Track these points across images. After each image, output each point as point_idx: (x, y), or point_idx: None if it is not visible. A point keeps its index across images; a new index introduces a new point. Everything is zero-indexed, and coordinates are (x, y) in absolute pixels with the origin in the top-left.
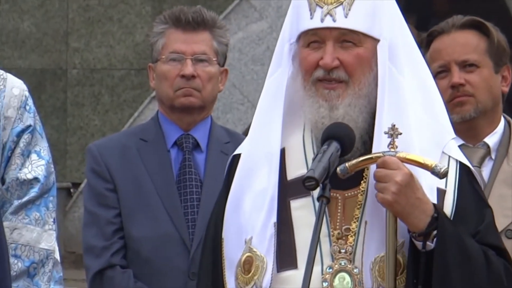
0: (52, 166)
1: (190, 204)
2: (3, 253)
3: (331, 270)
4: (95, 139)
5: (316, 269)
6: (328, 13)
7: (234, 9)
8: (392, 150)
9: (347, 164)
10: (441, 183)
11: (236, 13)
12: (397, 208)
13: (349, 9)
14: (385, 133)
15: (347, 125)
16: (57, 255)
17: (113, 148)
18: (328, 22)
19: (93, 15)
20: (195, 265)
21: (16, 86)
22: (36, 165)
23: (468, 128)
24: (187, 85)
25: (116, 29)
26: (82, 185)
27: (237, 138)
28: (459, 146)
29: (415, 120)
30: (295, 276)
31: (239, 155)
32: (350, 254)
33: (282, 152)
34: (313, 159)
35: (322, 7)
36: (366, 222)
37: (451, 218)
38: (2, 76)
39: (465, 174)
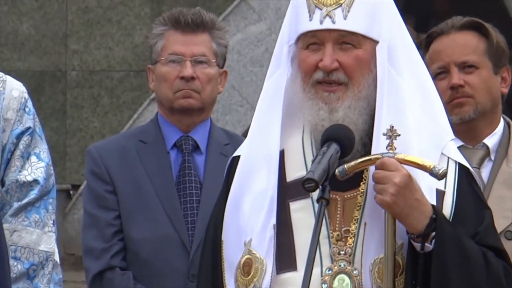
0: (51, 168)
1: (189, 206)
2: (3, 255)
3: (330, 272)
4: (95, 141)
5: (316, 271)
6: (327, 15)
7: (233, 11)
8: (391, 151)
9: (345, 166)
10: (440, 184)
11: (235, 14)
12: (396, 209)
13: (348, 11)
14: (384, 134)
15: (346, 126)
16: (56, 257)
17: (112, 150)
18: (327, 24)
19: (92, 17)
20: (194, 267)
21: (16, 88)
22: (36, 167)
23: (467, 129)
24: (186, 86)
25: (115, 31)
26: (82, 187)
27: (237, 140)
28: (458, 147)
29: (414, 122)
30: (295, 278)
31: (238, 157)
32: (350, 255)
33: (281, 153)
34: (313, 161)
35: (321, 9)
36: (365, 224)
37: (450, 219)
38: (1, 78)
39: (464, 175)
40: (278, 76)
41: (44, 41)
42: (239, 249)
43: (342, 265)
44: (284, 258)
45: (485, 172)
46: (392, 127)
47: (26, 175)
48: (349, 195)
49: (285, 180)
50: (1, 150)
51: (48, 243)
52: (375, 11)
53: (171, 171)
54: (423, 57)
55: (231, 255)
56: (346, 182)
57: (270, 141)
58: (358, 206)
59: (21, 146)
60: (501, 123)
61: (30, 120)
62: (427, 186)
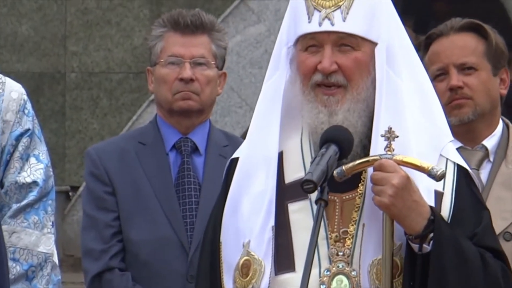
0: (50, 169)
1: (188, 207)
2: (2, 256)
3: (328, 273)
4: (94, 143)
5: (314, 272)
6: (326, 16)
7: (232, 12)
8: (389, 153)
9: (344, 167)
10: (438, 186)
11: (234, 16)
12: (394, 210)
13: (347, 13)
14: (382, 136)
15: (345, 128)
16: (55, 259)
17: (111, 151)
18: (326, 26)
19: (91, 19)
20: (193, 268)
21: (15, 90)
22: (35, 169)
23: (466, 131)
24: (185, 88)
25: (114, 33)
26: (81, 189)
27: (236, 142)
28: (457, 149)
29: (413, 123)
30: (293, 279)
31: (237, 159)
32: (348, 256)
33: (280, 155)
34: (311, 162)
35: (320, 11)
36: (363, 225)
37: (449, 221)
38: (0, 80)
39: (463, 177)
40: (277, 78)
41: (43, 43)
42: (237, 251)
43: (341, 266)
44: (283, 259)
45: (484, 173)
46: (390, 128)
47: (25, 177)
48: (347, 197)
49: (283, 182)
50: (0, 151)
51: (47, 245)
52: (374, 12)
53: (170, 172)
54: (422, 58)
55: (230, 257)
56: (344, 183)
57: (269, 143)
58: (357, 208)
59: (20, 148)
60: (500, 124)
61: (29, 121)
62: (425, 188)
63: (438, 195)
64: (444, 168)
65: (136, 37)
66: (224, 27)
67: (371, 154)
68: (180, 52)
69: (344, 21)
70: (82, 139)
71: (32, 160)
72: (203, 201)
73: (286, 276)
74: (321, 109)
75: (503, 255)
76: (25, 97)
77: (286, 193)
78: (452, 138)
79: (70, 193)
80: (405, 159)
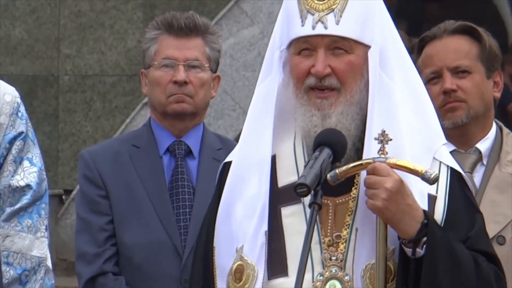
0: (44, 173)
1: (182, 211)
2: None
3: (322, 277)
4: (87, 146)
5: (307, 276)
6: (319, 20)
7: (225, 15)
8: (383, 156)
9: (337, 170)
10: (432, 189)
11: (227, 18)
12: (387, 214)
13: (341, 16)
14: (375, 139)
15: (339, 131)
16: (49, 263)
17: (105, 154)
18: (320, 30)
19: (84, 21)
20: (187, 272)
21: (8, 93)
22: (29, 172)
23: (460, 134)
24: (179, 91)
25: (107, 35)
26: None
27: (229, 145)
28: (451, 152)
29: (406, 126)
30: (286, 283)
31: (230, 162)
32: (341, 261)
33: (273, 159)
34: (305, 166)
35: (313, 14)
36: (357, 229)
37: (442, 224)
38: None
39: (456, 180)
40: (270, 81)
41: (36, 46)
42: (230, 255)
43: (334, 271)
44: (276, 264)
45: (477, 176)
46: (384, 131)
47: (19, 180)
48: (340, 200)
49: (276, 185)
50: None
51: (41, 249)
52: (367, 16)
53: (163, 175)
54: (415, 61)
55: (223, 261)
56: (338, 187)
57: (261, 147)
58: (350, 211)
59: (13, 151)
60: (494, 127)
61: (22, 124)
62: (419, 191)
63: (431, 199)
64: (437, 172)
65: (129, 39)
66: (218, 30)
67: (364, 157)
68: (174, 55)
69: (337, 24)
70: (75, 142)
71: (26, 163)
72: (197, 205)
73: (279, 281)
74: (314, 112)
75: (496, 258)
76: (19, 100)
77: (279, 197)
78: (445, 141)
79: (64, 197)
80: (398, 163)
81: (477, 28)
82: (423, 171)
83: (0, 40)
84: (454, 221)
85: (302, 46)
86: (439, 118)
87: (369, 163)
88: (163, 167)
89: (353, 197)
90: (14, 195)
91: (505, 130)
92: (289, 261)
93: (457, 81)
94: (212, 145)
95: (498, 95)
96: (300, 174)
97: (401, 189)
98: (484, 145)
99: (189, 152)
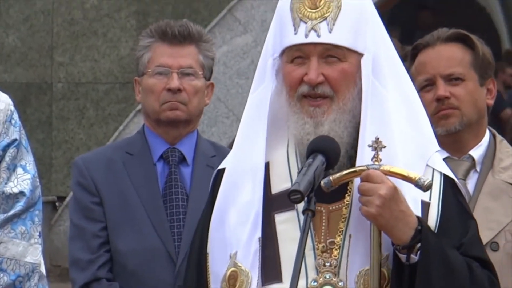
0: (37, 180)
1: (176, 217)
2: None
3: (316, 283)
4: (80, 153)
5: (301, 282)
6: (312, 28)
7: (218, 23)
8: (376, 163)
9: (331, 177)
10: (425, 196)
11: (220, 26)
12: (381, 221)
13: (333, 24)
14: (369, 146)
15: (332, 138)
16: (42, 269)
17: (99, 161)
18: (313, 38)
19: (78, 29)
20: (180, 279)
21: (2, 100)
22: (22, 179)
23: (453, 141)
24: (173, 98)
25: (100, 43)
26: (68, 199)
27: (223, 152)
28: (444, 159)
29: (399, 133)
30: None
31: (223, 169)
32: (335, 267)
33: (266, 166)
34: (298, 172)
35: (306, 22)
36: (350, 236)
37: (435, 231)
38: None
39: (449, 187)
40: (263, 89)
41: (30, 53)
42: (224, 262)
43: (328, 277)
44: (270, 270)
45: (470, 183)
46: (378, 138)
47: (12, 187)
48: (334, 207)
49: (270, 192)
50: None
51: (34, 255)
52: (360, 24)
53: (157, 183)
54: (408, 69)
55: (217, 268)
56: (331, 194)
57: (255, 154)
58: (343, 218)
59: (7, 158)
60: (487, 134)
61: (16, 132)
62: (412, 198)
63: (425, 205)
64: (430, 178)
65: (122, 47)
66: (211, 38)
67: (357, 164)
68: (167, 63)
69: (330, 32)
70: (68, 149)
71: (19, 170)
72: (191, 212)
73: (273, 287)
74: (307, 120)
75: (490, 265)
76: (12, 107)
77: (272, 203)
78: (438, 148)
79: (57, 203)
80: (392, 169)
81: (470, 36)
82: (416, 178)
83: None
84: (447, 228)
85: (295, 54)
86: (432, 126)
87: (363, 170)
88: (157, 174)
89: (346, 204)
90: (7, 202)
91: (498, 137)
92: (283, 267)
93: (450, 89)
94: (206, 152)
95: (491, 102)
96: (293, 181)
97: (394, 195)
98: (477, 152)
99: (182, 159)
